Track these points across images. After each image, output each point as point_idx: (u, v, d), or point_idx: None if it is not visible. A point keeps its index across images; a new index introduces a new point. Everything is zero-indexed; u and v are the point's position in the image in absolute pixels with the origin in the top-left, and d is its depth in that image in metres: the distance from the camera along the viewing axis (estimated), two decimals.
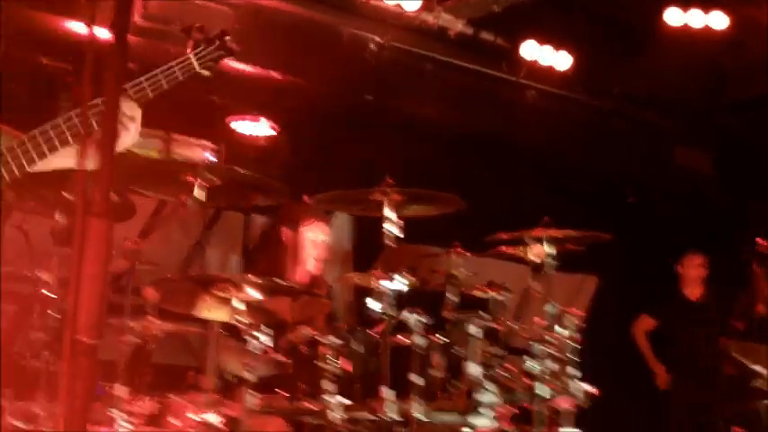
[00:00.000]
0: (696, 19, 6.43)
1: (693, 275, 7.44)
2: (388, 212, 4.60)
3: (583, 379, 4.59)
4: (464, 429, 4.14)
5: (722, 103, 7.53)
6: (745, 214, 7.49)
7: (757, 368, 2.75)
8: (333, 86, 6.01)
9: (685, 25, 6.47)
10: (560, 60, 6.73)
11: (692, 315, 7.36)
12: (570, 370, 4.57)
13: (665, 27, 6.49)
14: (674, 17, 6.43)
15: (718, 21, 6.42)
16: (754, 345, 2.78)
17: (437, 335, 4.43)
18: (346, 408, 4.13)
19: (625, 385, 7.20)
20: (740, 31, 6.54)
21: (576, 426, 4.57)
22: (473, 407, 4.16)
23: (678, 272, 7.49)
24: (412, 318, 4.35)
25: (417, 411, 4.07)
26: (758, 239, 6.16)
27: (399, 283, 4.45)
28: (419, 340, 4.30)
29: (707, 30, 6.46)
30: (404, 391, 4.17)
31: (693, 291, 7.48)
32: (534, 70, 6.80)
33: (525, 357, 4.55)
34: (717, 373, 7.13)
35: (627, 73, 7.15)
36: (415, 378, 4.16)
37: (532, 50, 6.63)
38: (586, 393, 4.55)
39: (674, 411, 7.11)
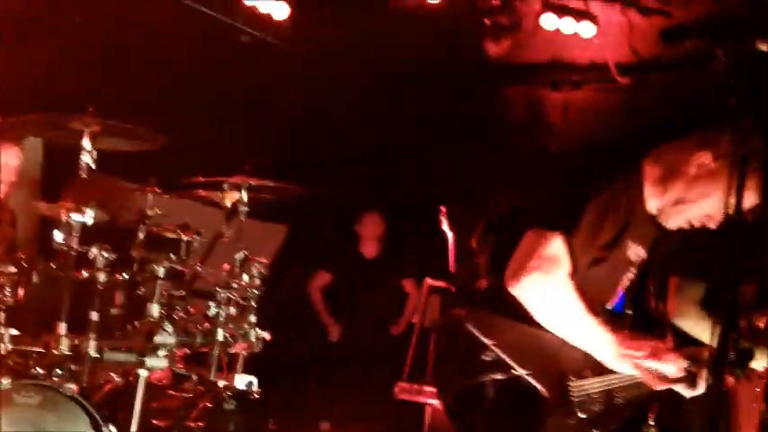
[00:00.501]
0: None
1: (369, 233, 7.73)
2: (85, 142, 4.48)
3: (260, 325, 4.71)
4: (140, 370, 4.12)
5: (429, 71, 7.84)
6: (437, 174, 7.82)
7: (488, 341, 2.88)
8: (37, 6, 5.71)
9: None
10: (278, 10, 6.78)
11: (365, 272, 7.65)
12: (249, 316, 4.67)
13: None
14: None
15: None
16: (490, 316, 2.93)
17: (122, 272, 4.39)
18: (15, 339, 4.00)
19: (302, 333, 7.45)
20: (453, 4, 6.82)
21: (250, 370, 4.69)
22: (151, 348, 4.15)
23: (356, 230, 7.74)
24: (97, 253, 4.27)
25: (92, 349, 4.03)
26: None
27: (88, 217, 4.33)
28: (102, 277, 4.24)
29: (423, 1, 6.71)
30: (82, 327, 4.10)
31: (369, 248, 7.75)
32: (252, 15, 6.80)
33: (209, 301, 4.60)
34: (384, 329, 7.54)
35: (343, 32, 7.30)
36: (94, 315, 4.10)
37: None
38: (261, 339, 4.67)
39: (340, 362, 7.42)
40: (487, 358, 2.94)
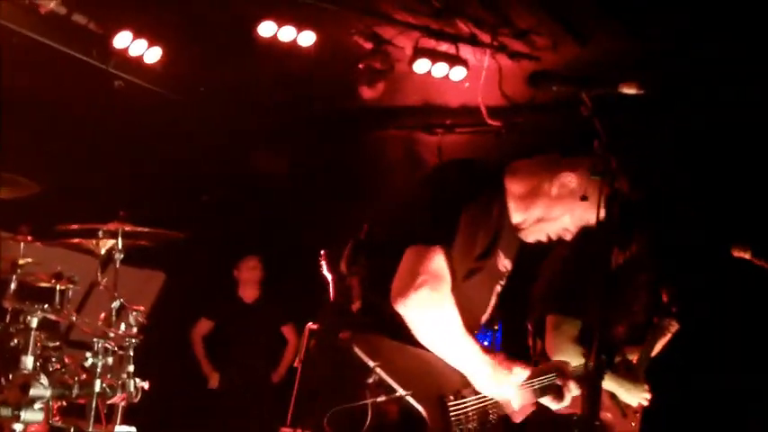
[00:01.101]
0: (287, 34, 6.70)
1: (248, 278, 7.68)
2: None
3: (139, 375, 4.63)
4: (15, 424, 3.99)
5: (301, 113, 7.91)
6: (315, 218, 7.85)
7: (372, 363, 2.81)
8: None
9: (275, 37, 6.71)
10: (151, 54, 6.73)
11: (245, 317, 7.58)
12: (127, 366, 4.59)
13: (259, 38, 6.69)
14: (267, 30, 6.66)
15: (307, 39, 6.74)
16: (375, 337, 2.86)
17: None
18: None
19: (182, 382, 7.34)
20: (325, 50, 6.91)
21: (128, 421, 4.61)
22: (27, 401, 4.03)
23: (235, 275, 7.69)
24: None
25: None
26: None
27: None
28: None
29: (295, 45, 6.75)
30: None
31: (248, 293, 7.70)
32: (125, 60, 6.74)
33: (85, 352, 4.50)
34: (265, 374, 7.46)
35: (216, 75, 7.30)
36: None
37: (125, 41, 6.57)
38: (139, 389, 4.59)
39: (221, 410, 7.31)
40: (370, 381, 2.90)
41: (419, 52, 6.79)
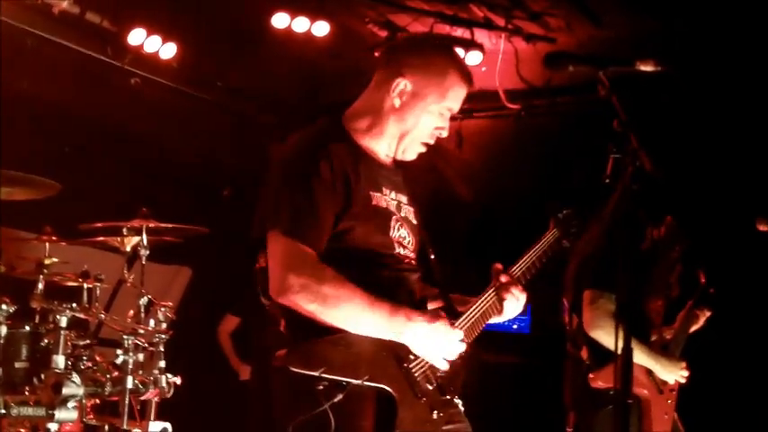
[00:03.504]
0: (301, 25, 6.71)
1: None
2: None
3: (170, 370, 4.64)
4: (50, 423, 4.00)
5: (317, 104, 7.89)
6: None
7: (316, 372, 2.77)
8: None
9: (289, 28, 6.73)
10: (166, 50, 6.73)
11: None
12: (158, 362, 4.60)
13: (273, 29, 6.71)
14: (280, 22, 6.68)
15: (321, 29, 6.75)
16: (308, 344, 2.85)
17: (24, 325, 4.29)
18: None
19: (213, 376, 7.35)
20: (339, 40, 6.90)
21: (162, 416, 4.62)
22: (60, 400, 4.03)
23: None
24: None
25: None
26: None
27: None
28: (3, 330, 4.13)
29: (309, 35, 6.77)
30: None
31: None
32: (139, 57, 6.74)
33: (116, 349, 4.51)
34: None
35: (232, 69, 7.31)
36: None
37: (140, 38, 6.57)
38: (171, 384, 4.60)
39: (254, 401, 7.31)
40: (321, 387, 2.81)
41: None
